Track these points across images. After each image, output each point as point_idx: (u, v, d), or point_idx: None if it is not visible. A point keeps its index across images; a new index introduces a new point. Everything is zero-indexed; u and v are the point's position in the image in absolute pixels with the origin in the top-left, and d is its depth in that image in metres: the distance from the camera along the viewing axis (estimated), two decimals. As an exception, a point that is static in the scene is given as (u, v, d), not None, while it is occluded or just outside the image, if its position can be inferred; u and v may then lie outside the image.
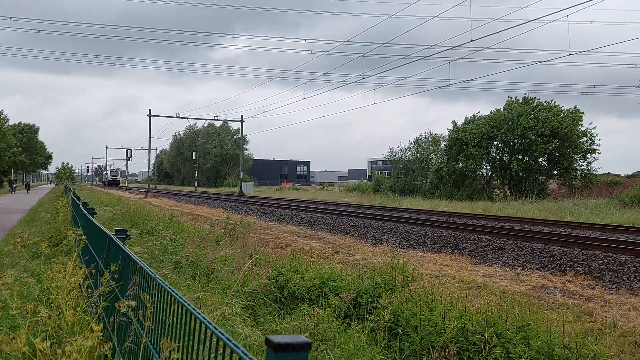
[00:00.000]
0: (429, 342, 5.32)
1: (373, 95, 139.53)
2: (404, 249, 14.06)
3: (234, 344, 1.38)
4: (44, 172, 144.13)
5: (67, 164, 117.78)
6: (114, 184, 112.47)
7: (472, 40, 23.43)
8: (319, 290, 7.43)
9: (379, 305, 6.47)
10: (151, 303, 2.48)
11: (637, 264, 10.68)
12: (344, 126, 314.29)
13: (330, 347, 5.51)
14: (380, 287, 7.07)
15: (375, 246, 14.74)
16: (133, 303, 2.58)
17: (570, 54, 25.64)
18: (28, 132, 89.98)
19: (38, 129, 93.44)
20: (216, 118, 64.20)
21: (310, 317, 6.12)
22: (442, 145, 50.65)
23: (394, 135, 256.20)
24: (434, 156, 52.42)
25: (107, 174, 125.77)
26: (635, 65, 62.07)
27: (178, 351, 1.97)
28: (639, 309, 8.06)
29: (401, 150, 55.26)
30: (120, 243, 3.84)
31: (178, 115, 59.56)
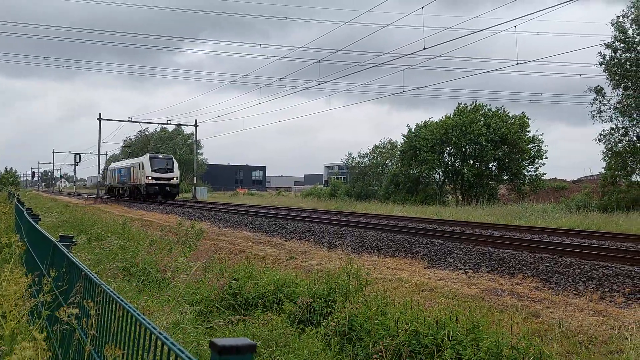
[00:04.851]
0: (381, 346, 5.35)
1: (329, 101, 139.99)
2: (358, 253, 14.14)
3: (179, 349, 1.34)
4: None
5: (11, 168, 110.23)
6: (164, 192, 45.63)
7: (424, 48, 23.89)
8: (274, 296, 7.40)
9: (333, 310, 6.48)
10: (95, 310, 2.40)
11: (582, 266, 11.05)
12: (303, 132, 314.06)
13: (284, 352, 5.48)
14: (335, 292, 7.09)
15: (331, 251, 14.77)
16: (75, 310, 2.49)
17: (518, 63, 26.42)
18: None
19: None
20: (169, 122, 63.23)
21: (264, 323, 6.07)
22: (397, 151, 51.45)
23: (356, 141, 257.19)
24: (390, 162, 53.18)
25: (144, 162, 46.95)
26: (580, 75, 64.58)
27: (123, 358, 1.91)
28: (584, 309, 8.33)
29: (360, 156, 55.89)
30: (64, 249, 3.72)
31: (129, 119, 58.27)
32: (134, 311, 1.84)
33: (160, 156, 48.61)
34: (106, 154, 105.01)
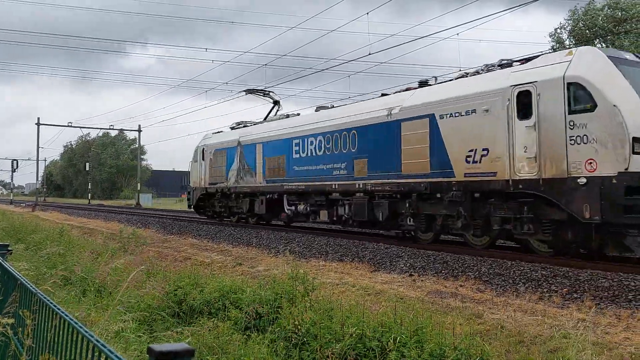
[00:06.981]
0: (328, 350, 5.38)
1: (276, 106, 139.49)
2: (306, 258, 14.16)
3: (117, 356, 1.32)
4: None
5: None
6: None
7: (370, 54, 24.25)
8: (219, 303, 7.33)
9: (279, 316, 6.47)
10: (32, 320, 2.32)
11: (522, 268, 11.43)
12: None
13: (230, 359, 5.43)
14: (282, 297, 7.08)
15: (278, 257, 14.72)
16: (11, 320, 2.40)
17: (460, 70, 27.20)
18: None
19: None
20: (112, 127, 61.71)
21: (210, 330, 6.01)
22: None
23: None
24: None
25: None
26: (519, 83, 67.31)
27: (59, 369, 1.86)
28: (523, 309, 8.61)
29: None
30: (-1, 258, 3.57)
31: (70, 124, 56.57)
32: (72, 320, 1.80)
33: None
34: (45, 160, 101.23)
